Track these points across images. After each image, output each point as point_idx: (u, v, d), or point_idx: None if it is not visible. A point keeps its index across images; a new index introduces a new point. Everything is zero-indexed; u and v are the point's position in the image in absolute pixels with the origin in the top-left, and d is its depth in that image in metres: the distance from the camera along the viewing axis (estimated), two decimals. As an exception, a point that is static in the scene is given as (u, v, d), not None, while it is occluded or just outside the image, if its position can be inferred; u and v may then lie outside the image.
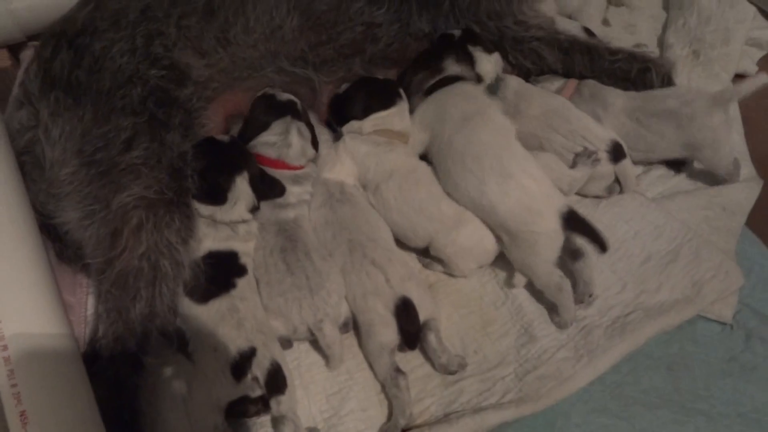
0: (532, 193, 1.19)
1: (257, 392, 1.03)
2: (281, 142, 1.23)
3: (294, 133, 1.24)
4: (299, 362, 1.16)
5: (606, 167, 1.33)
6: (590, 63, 1.50)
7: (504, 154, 1.24)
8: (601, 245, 1.18)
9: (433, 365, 1.15)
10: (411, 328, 1.10)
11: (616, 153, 1.33)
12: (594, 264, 1.23)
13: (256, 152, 1.23)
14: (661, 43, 1.77)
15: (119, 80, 1.12)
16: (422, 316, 1.11)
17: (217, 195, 1.12)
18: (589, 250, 1.21)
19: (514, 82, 1.44)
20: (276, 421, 1.03)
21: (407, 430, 1.08)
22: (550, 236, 1.17)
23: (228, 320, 1.05)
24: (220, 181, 1.12)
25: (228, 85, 1.26)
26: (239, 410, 1.03)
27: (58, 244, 1.15)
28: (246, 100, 1.28)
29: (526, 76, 1.51)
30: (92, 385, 0.95)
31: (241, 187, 1.13)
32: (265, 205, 1.18)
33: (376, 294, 1.12)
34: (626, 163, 1.34)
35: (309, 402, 1.11)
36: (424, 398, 1.13)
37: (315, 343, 1.16)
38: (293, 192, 1.21)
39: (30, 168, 1.15)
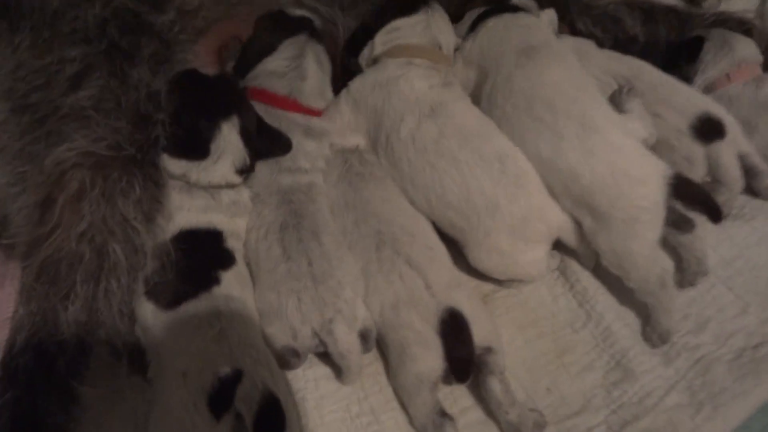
0: (627, 153, 0.89)
1: (243, 438, 0.70)
2: (293, 71, 0.91)
3: (310, 59, 0.93)
4: (304, 395, 0.83)
5: (689, 146, 0.99)
6: (678, 25, 1.21)
7: (584, 99, 0.93)
8: (715, 214, 0.89)
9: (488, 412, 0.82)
10: (462, 352, 0.78)
11: (704, 129, 0.98)
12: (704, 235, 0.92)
13: (257, 86, 0.91)
14: (761, 14, 1.47)
15: (72, -2, 0.81)
16: (477, 342, 0.79)
17: (195, 146, 0.81)
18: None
19: (569, 41, 1.14)
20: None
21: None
22: (654, 210, 0.87)
23: (206, 331, 0.73)
24: (199, 126, 0.81)
25: (225, 14, 0.95)
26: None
27: (-17, 222, 0.84)
28: (246, 30, 0.97)
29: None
30: (-5, 425, 0.64)
31: (229, 138, 0.82)
32: (264, 167, 0.87)
33: (412, 304, 0.80)
34: (722, 146, 0.98)
35: (317, 455, 0.79)
36: (479, 455, 0.80)
37: (330, 369, 0.84)
38: (306, 150, 0.89)
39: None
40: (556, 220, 0.91)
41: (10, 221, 0.77)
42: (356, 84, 0.99)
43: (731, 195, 1.00)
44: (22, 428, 0.66)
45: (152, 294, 0.76)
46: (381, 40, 1.01)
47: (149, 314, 0.75)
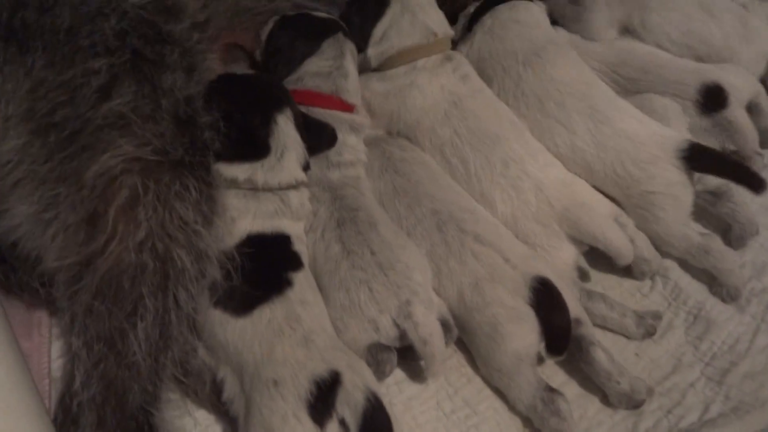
0: (636, 137, 0.89)
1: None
2: (336, 70, 0.88)
3: (349, 58, 0.90)
4: (390, 400, 0.74)
5: (699, 124, 0.98)
6: None
7: (592, 94, 0.94)
8: (753, 182, 0.86)
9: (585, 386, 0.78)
10: (561, 320, 0.74)
11: (707, 103, 0.97)
12: (745, 199, 0.91)
13: (300, 88, 0.87)
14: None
15: (83, 14, 0.76)
16: None
17: (255, 144, 0.75)
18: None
19: (563, 33, 1.10)
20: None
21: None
22: (672, 192, 0.87)
23: (289, 335, 0.66)
24: (254, 123, 0.76)
25: (229, 24, 0.92)
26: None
27: (2, 267, 0.75)
28: (248, 39, 0.94)
29: None
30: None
31: (286, 131, 0.77)
32: (313, 164, 0.82)
33: (495, 280, 0.76)
34: (729, 112, 0.96)
35: (421, 459, 0.71)
36: (589, 429, 0.74)
37: (410, 369, 0.77)
38: (349, 144, 0.86)
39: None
40: (557, 224, 0.85)
41: (42, 255, 0.68)
42: (370, 89, 0.96)
43: (753, 155, 0.98)
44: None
45: (220, 303, 0.68)
46: (374, 54, 0.96)
47: (218, 326, 0.68)
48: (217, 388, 0.68)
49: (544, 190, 0.86)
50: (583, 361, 0.75)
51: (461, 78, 0.96)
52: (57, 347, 0.74)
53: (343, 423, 0.62)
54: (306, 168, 0.79)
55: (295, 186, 0.77)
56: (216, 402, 0.68)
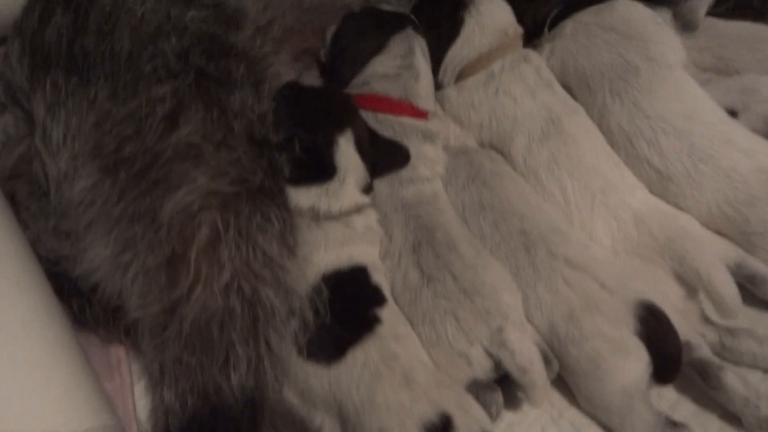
0: (737, 176, 0.78)
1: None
2: (406, 71, 0.81)
3: (420, 56, 0.83)
4: (491, 428, 0.71)
5: None
6: None
7: (694, 130, 0.80)
8: None
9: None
10: (673, 349, 0.67)
11: None
12: None
13: (366, 93, 0.81)
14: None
15: (143, 35, 0.72)
16: None
17: (321, 165, 0.70)
18: None
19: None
20: None
21: None
22: None
23: (388, 377, 0.62)
24: (318, 142, 0.71)
25: (298, 21, 0.87)
26: None
27: (77, 300, 0.72)
28: (319, 41, 0.88)
29: None
30: None
31: (347, 153, 0.72)
32: (382, 182, 0.76)
33: (591, 309, 0.69)
34: None
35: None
36: (711, 452, 0.68)
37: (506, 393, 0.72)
38: (425, 156, 0.79)
39: (24, 197, 0.75)
40: (661, 258, 0.75)
41: (125, 301, 0.66)
42: (452, 100, 0.89)
43: None
44: None
45: (312, 355, 0.64)
46: (449, 68, 0.89)
47: (313, 378, 0.64)
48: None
49: (646, 221, 0.77)
50: (713, 388, 0.68)
51: (546, 85, 0.87)
52: (139, 388, 0.72)
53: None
54: (367, 190, 0.73)
55: (357, 210, 0.72)
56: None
